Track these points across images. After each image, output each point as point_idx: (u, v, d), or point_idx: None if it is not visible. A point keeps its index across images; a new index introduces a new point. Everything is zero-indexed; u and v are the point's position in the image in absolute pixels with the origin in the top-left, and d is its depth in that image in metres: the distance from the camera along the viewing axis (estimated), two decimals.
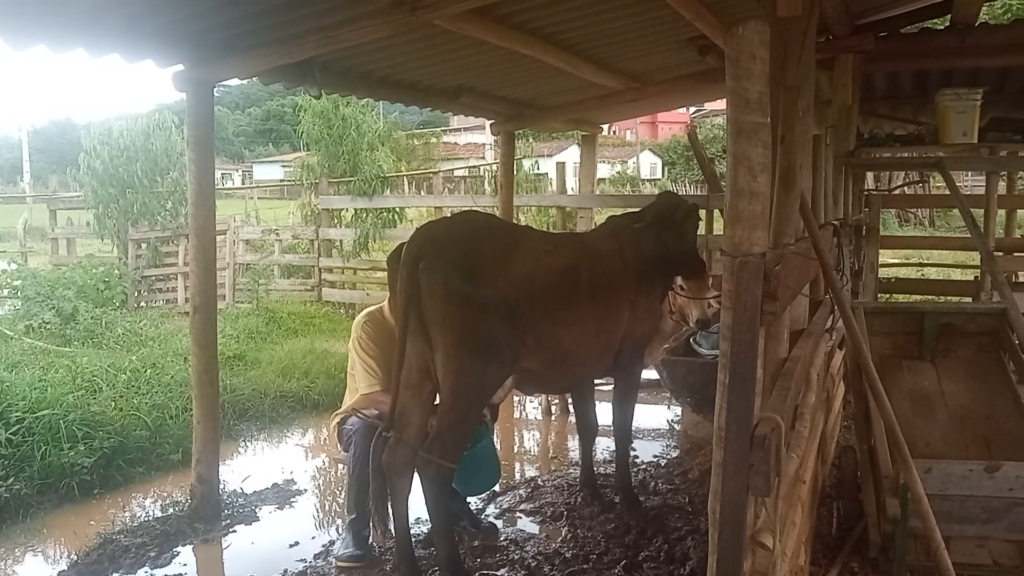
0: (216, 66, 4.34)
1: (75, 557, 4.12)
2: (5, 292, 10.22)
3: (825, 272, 2.86)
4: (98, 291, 10.15)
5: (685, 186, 34.22)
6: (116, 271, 11.01)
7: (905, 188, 13.46)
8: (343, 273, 11.35)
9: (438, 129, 32.36)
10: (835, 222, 4.19)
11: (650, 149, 46.19)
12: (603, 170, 38.02)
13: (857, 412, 3.96)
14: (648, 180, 39.05)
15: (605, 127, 9.40)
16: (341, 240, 11.35)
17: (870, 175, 12.04)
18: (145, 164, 11.48)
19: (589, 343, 3.88)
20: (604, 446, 5.53)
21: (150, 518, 4.58)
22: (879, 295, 6.64)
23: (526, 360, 3.57)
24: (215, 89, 4.55)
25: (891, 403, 2.91)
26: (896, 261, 11.98)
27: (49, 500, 4.73)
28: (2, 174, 63.27)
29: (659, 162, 44.23)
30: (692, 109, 38.74)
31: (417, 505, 3.71)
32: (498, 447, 4.84)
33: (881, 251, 6.76)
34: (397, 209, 11.61)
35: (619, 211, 5.07)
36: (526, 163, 13.11)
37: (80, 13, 3.55)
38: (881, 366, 3.75)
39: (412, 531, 3.82)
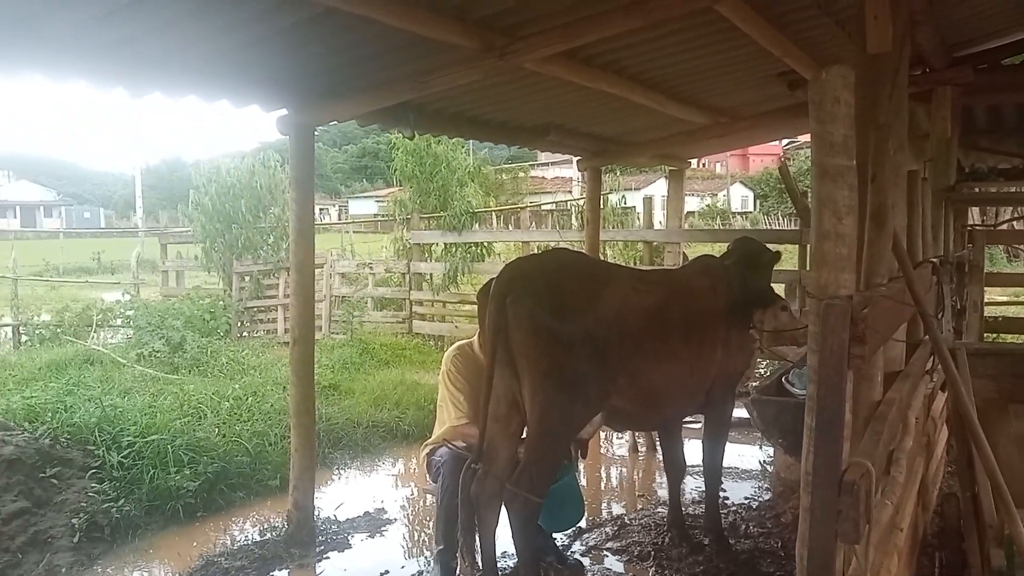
0: (317, 111, 4.59)
1: None
2: (119, 321, 10.88)
3: (920, 312, 2.78)
4: (204, 321, 10.68)
5: (778, 219, 33.48)
6: (221, 302, 11.56)
7: (1014, 223, 12.78)
8: (433, 306, 11.58)
9: (526, 164, 32.76)
10: (934, 259, 4.05)
11: (741, 182, 45.44)
12: (692, 203, 37.59)
13: (960, 458, 3.78)
14: (739, 213, 38.38)
15: (693, 161, 9.33)
16: (431, 274, 11.60)
17: (975, 210, 11.51)
18: (249, 201, 12.06)
19: (681, 381, 3.86)
20: (693, 486, 5.44)
21: (249, 542, 4.77)
22: (985, 335, 6.32)
23: (616, 398, 3.58)
24: (315, 130, 4.80)
25: (996, 449, 2.79)
26: (1004, 299, 11.37)
27: (156, 521, 4.98)
28: (116, 209, 67.41)
29: (751, 195, 43.44)
30: (785, 141, 37.98)
31: (504, 538, 3.75)
32: (583, 483, 4.84)
33: (987, 289, 6.46)
34: (485, 243, 11.80)
35: (707, 246, 5.04)
36: (613, 197, 13.11)
37: (192, 64, 3.84)
38: (985, 410, 3.58)
39: (499, 564, 3.85)
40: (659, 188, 26.88)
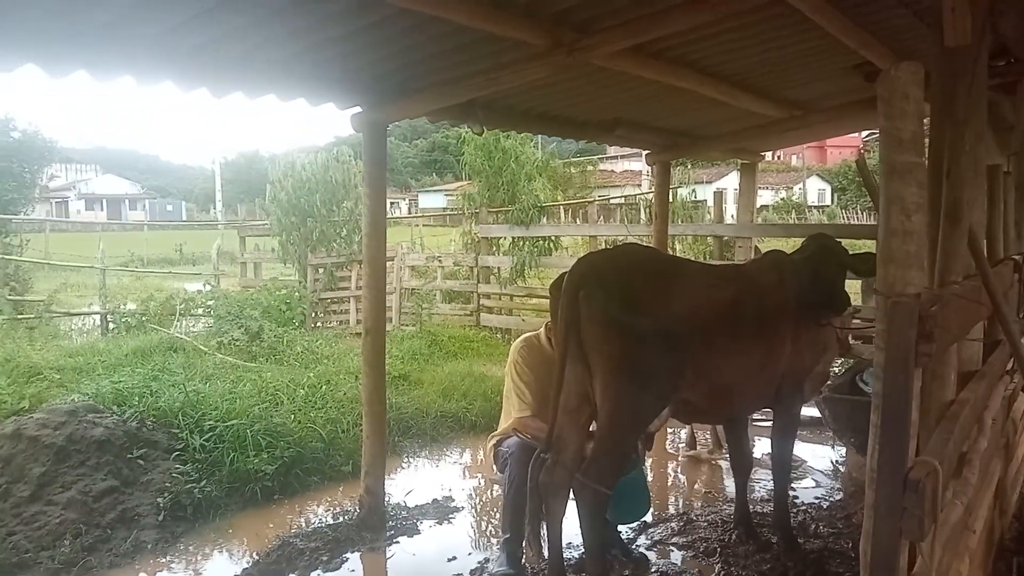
0: (389, 108, 4.71)
1: (257, 557, 4.53)
2: (200, 311, 11.31)
3: (997, 310, 2.71)
4: (281, 312, 11.04)
5: (856, 213, 32.50)
6: (296, 293, 11.91)
7: None
8: (500, 299, 11.68)
9: (595, 157, 32.61)
10: (1016, 257, 3.92)
11: (818, 174, 44.25)
12: (766, 197, 36.78)
13: None
14: (815, 207, 37.40)
15: (767, 154, 9.15)
16: (499, 267, 11.70)
17: None
18: (324, 195, 12.38)
19: (751, 376, 3.85)
20: (762, 483, 5.38)
21: (323, 524, 4.94)
22: None
23: (685, 391, 3.59)
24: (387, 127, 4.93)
25: None
26: None
27: (235, 502, 5.21)
28: (197, 202, 69.88)
29: (828, 188, 42.26)
30: (864, 132, 36.80)
31: (570, 529, 3.80)
32: (650, 478, 4.84)
33: None
34: (553, 237, 11.83)
35: (781, 241, 4.97)
36: (683, 191, 12.96)
37: (271, 65, 4.00)
38: None
39: (564, 555, 3.90)
40: (731, 181, 26.42)
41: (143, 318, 10.72)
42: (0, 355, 7.60)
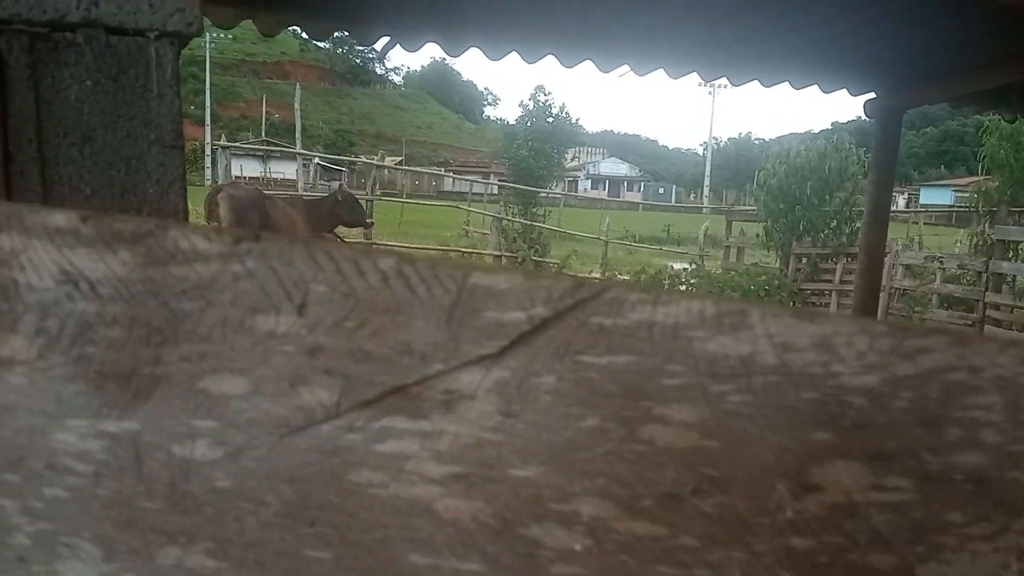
0: (906, 94, 4.52)
1: None
2: (683, 287, 12.08)
3: None
4: (758, 296, 11.21)
5: None
6: (776, 281, 11.96)
7: None
8: (1012, 312, 10.19)
9: None
10: None
11: None
12: None
13: None
14: None
15: None
16: (1014, 275, 10.20)
17: None
18: (816, 183, 12.12)
19: None
20: None
21: None
22: None
23: None
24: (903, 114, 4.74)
25: None
26: None
27: None
28: (686, 186, 73.29)
29: None
30: None
31: None
32: None
33: None
34: None
35: None
36: None
37: (784, 55, 4.18)
38: None
39: None
40: None
41: None
42: None
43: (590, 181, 68.80)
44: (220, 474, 0.32)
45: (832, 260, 11.67)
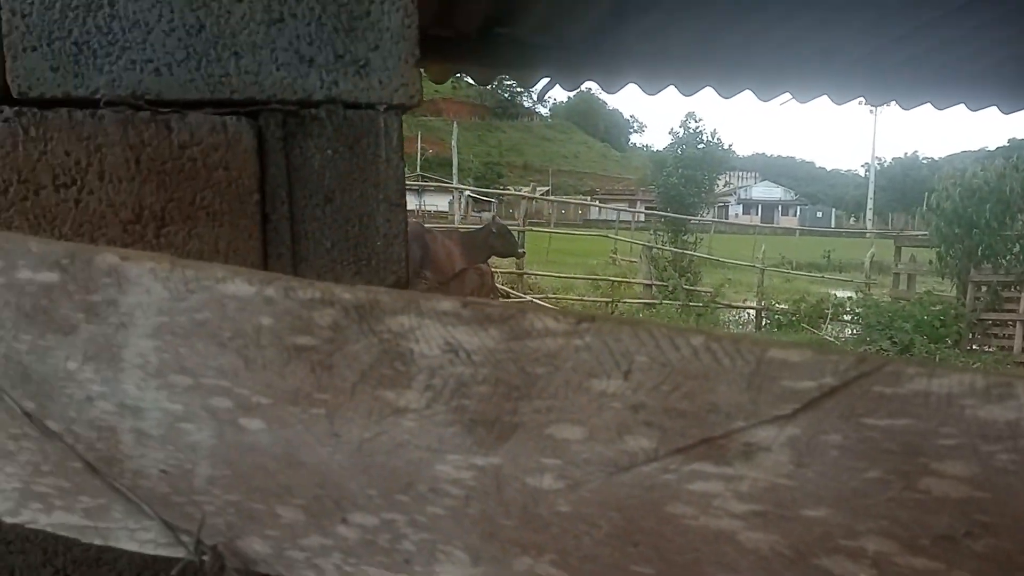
0: None
1: None
2: (847, 317, 11.50)
3: None
4: (933, 328, 10.50)
5: None
6: (953, 310, 11.17)
7: None
8: None
9: None
10: None
11: None
12: None
13: None
14: None
15: None
16: None
17: None
18: (996, 206, 11.27)
19: None
20: None
21: None
22: None
23: None
24: None
25: None
26: None
27: None
28: (847, 209, 69.68)
29: None
30: None
31: None
32: None
33: None
34: None
35: None
36: None
37: (959, 76, 4.01)
38: None
39: None
40: None
41: (793, 317, 11.41)
42: None
43: (741, 206, 66.91)
44: (562, 501, 0.41)
45: (1016, 288, 10.76)
